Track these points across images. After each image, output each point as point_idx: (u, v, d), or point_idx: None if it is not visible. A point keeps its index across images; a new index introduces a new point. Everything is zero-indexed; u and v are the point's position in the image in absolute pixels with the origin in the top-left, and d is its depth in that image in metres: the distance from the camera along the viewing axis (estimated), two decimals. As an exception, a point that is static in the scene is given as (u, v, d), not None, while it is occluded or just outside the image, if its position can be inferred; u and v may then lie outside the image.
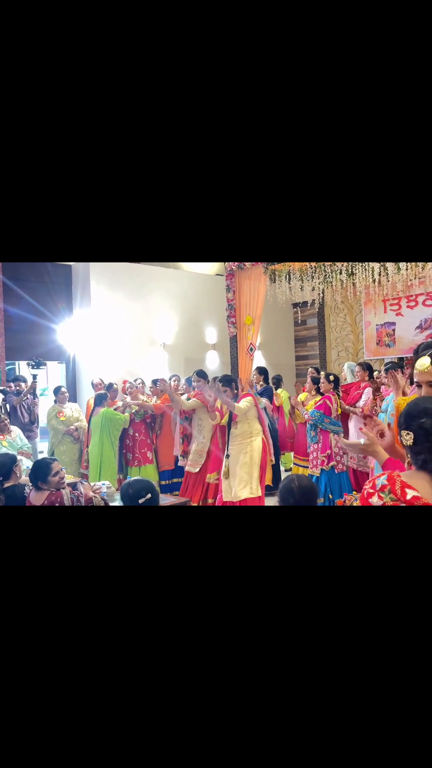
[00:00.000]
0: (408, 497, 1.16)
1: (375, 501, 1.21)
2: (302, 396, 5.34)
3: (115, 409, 5.30)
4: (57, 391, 5.57)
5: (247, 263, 5.97)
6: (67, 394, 5.64)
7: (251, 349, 6.25)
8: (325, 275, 5.68)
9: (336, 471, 4.40)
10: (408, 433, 1.21)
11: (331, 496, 4.40)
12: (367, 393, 4.62)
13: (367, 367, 4.82)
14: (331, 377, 4.52)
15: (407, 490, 1.17)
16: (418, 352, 2.05)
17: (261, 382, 5.95)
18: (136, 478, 2.27)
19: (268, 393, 5.85)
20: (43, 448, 5.84)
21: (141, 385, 6.07)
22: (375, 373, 5.02)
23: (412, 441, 1.21)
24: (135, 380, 6.13)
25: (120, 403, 5.55)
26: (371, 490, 1.23)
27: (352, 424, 4.79)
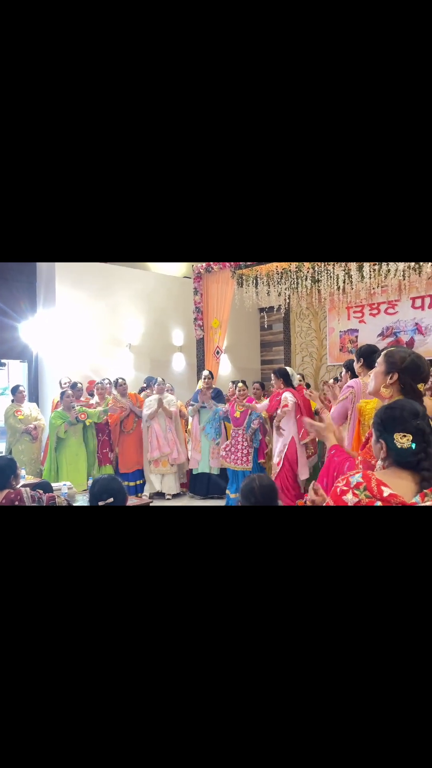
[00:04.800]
0: (385, 495, 1.19)
1: (349, 498, 1.22)
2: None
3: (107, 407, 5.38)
4: (15, 390, 5.50)
5: (214, 266, 6.01)
6: (25, 393, 5.56)
7: (218, 353, 6.27)
8: (291, 281, 5.78)
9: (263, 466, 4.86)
10: (405, 436, 1.23)
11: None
12: (285, 398, 4.66)
13: (281, 374, 4.85)
14: (261, 384, 5.12)
15: (383, 488, 1.20)
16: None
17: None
18: (104, 476, 2.24)
19: (221, 398, 5.91)
20: (0, 448, 5.72)
21: (109, 384, 6.02)
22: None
23: (410, 443, 1.22)
24: (103, 380, 6.08)
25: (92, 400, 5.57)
26: (345, 488, 1.25)
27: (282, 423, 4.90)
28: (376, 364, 1.66)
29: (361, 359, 3.02)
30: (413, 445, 1.22)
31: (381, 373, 1.61)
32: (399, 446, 1.23)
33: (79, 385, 5.55)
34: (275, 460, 4.76)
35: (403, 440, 1.22)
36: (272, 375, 4.98)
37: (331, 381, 5.15)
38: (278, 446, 4.75)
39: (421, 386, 1.56)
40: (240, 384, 5.21)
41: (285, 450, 4.66)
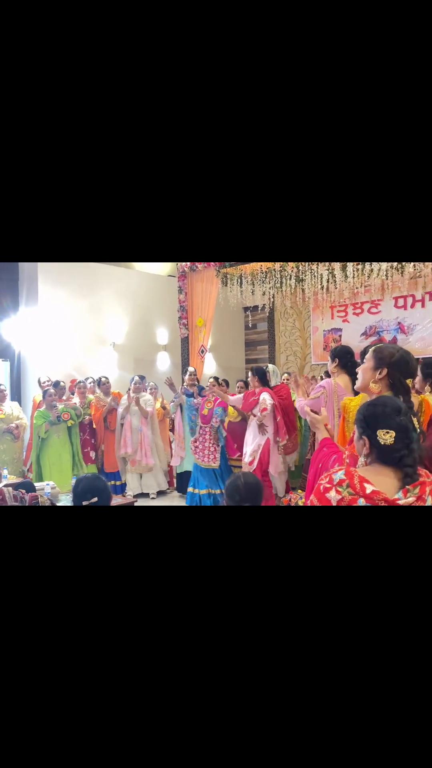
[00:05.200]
0: (367, 491, 1.19)
1: (332, 496, 1.23)
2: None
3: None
4: None
5: (199, 265, 6.00)
6: (6, 393, 5.49)
7: (202, 351, 6.27)
8: (275, 280, 5.80)
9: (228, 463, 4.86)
10: (388, 432, 1.23)
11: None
12: (263, 401, 4.62)
13: (257, 373, 4.80)
14: (221, 381, 5.12)
15: (366, 485, 1.20)
16: (365, 354, 2.13)
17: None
18: (87, 475, 2.22)
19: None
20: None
21: (92, 384, 5.97)
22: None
23: (392, 440, 1.23)
24: (86, 379, 6.02)
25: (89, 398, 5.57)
26: (328, 485, 1.25)
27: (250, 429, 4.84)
28: (365, 360, 1.67)
29: (336, 360, 3.11)
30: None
31: (370, 369, 1.62)
32: (382, 443, 1.23)
33: (61, 383, 5.49)
34: (248, 459, 4.73)
35: (386, 437, 1.23)
36: (249, 373, 4.98)
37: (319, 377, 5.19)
38: (252, 446, 4.72)
39: (409, 382, 1.58)
40: (211, 380, 5.17)
41: (260, 450, 4.64)
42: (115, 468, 5.82)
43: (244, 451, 4.81)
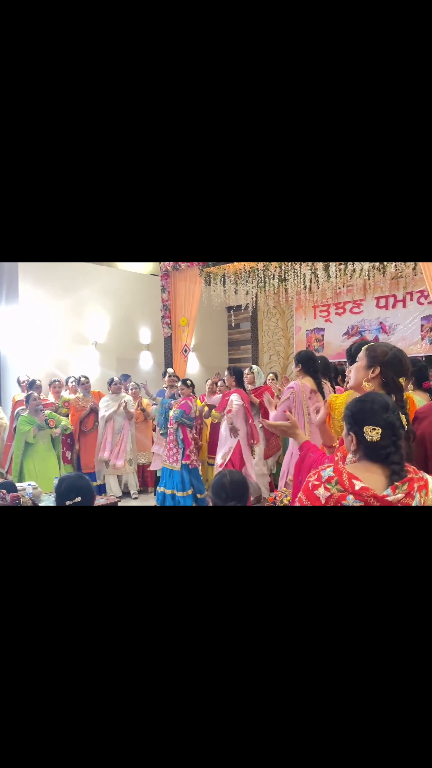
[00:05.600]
0: (356, 488, 1.19)
1: (321, 493, 1.22)
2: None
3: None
4: None
5: (182, 264, 5.98)
6: None
7: (186, 351, 6.25)
8: (258, 280, 5.81)
9: (190, 467, 4.82)
10: (374, 429, 1.23)
11: (192, 491, 4.82)
12: (231, 402, 4.63)
13: (234, 373, 4.80)
14: (189, 382, 5.03)
15: (354, 482, 1.20)
16: (351, 351, 2.14)
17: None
18: (70, 474, 2.19)
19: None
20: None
21: (73, 383, 5.89)
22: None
23: (379, 436, 1.23)
24: (68, 378, 5.95)
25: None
26: (317, 482, 1.24)
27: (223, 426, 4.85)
28: (358, 359, 1.67)
29: (300, 365, 3.38)
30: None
31: (363, 368, 1.62)
32: (368, 439, 1.23)
33: (37, 382, 5.36)
34: (219, 461, 4.72)
35: (373, 433, 1.23)
36: (226, 372, 4.95)
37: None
38: (224, 449, 4.71)
39: (402, 380, 1.58)
40: (188, 382, 5.06)
41: (230, 453, 4.63)
42: (91, 469, 5.76)
43: (216, 454, 4.81)
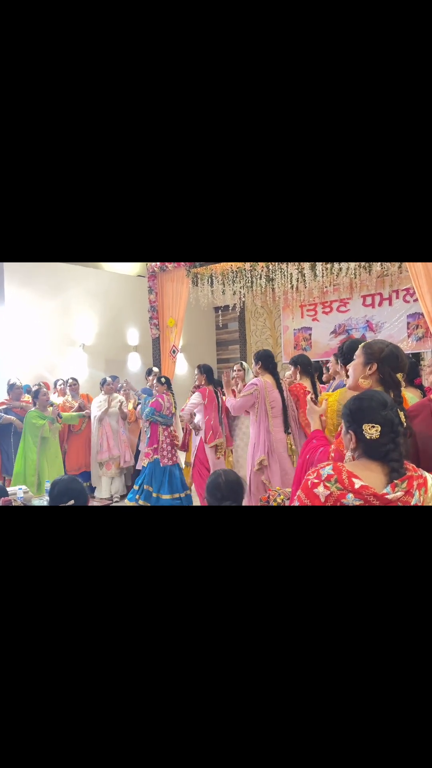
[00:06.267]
0: (356, 486, 1.19)
1: (321, 491, 1.22)
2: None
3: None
4: None
5: (169, 265, 5.97)
6: None
7: (174, 352, 6.23)
8: (245, 280, 5.82)
9: (161, 464, 4.85)
10: (373, 426, 1.23)
11: (150, 488, 4.84)
12: (193, 397, 4.66)
13: (204, 371, 4.77)
14: (163, 380, 5.04)
15: (354, 480, 1.20)
16: (343, 349, 2.15)
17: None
18: (63, 477, 2.17)
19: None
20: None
21: (62, 386, 5.84)
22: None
23: (378, 434, 1.23)
24: (56, 381, 5.89)
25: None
26: (316, 481, 1.24)
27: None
28: (354, 357, 1.68)
29: (259, 362, 3.71)
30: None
31: (360, 365, 1.63)
32: (368, 437, 1.24)
33: (18, 383, 5.27)
34: (192, 459, 4.82)
35: (372, 431, 1.23)
36: (196, 370, 4.95)
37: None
38: (193, 447, 4.82)
39: (399, 376, 1.59)
40: (162, 379, 5.03)
41: (196, 450, 4.75)
42: (77, 470, 5.72)
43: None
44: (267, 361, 3.74)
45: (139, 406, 5.56)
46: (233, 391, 3.86)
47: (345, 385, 1.85)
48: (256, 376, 3.78)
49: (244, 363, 4.99)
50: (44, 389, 4.79)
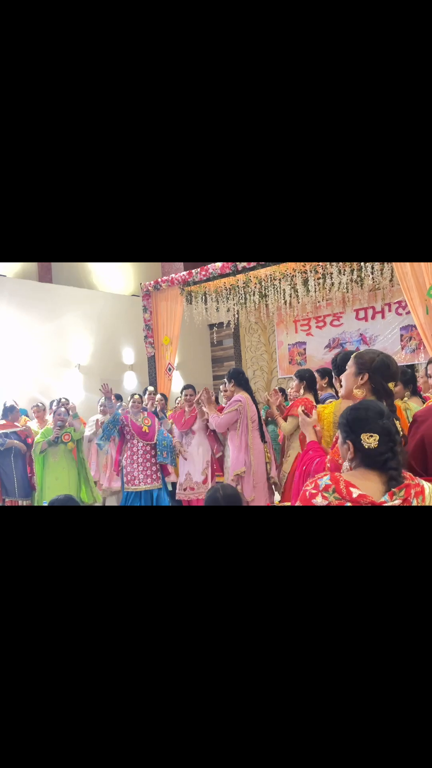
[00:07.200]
0: (354, 495, 1.19)
1: (318, 501, 1.22)
2: None
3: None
4: None
5: (162, 283, 6.02)
6: None
7: (170, 369, 6.25)
8: (239, 297, 5.87)
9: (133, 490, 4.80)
10: (371, 435, 1.24)
11: None
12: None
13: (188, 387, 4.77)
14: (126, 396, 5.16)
15: (352, 489, 1.20)
16: (337, 361, 2.17)
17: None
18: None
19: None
20: None
21: (56, 405, 5.79)
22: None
23: (376, 443, 1.24)
24: (51, 402, 5.87)
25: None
26: (314, 491, 1.24)
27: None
28: (347, 367, 1.69)
29: (232, 380, 3.98)
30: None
31: (352, 375, 1.65)
32: (366, 446, 1.24)
33: (14, 404, 5.26)
34: (200, 477, 4.73)
35: (370, 440, 1.24)
36: (225, 379, 4.93)
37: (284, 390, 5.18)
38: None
39: (391, 385, 1.61)
40: (135, 396, 4.96)
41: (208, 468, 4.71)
42: None
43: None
44: (239, 378, 4.00)
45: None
46: (219, 407, 3.99)
47: (336, 397, 1.87)
48: (231, 395, 4.00)
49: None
50: (62, 410, 4.76)
